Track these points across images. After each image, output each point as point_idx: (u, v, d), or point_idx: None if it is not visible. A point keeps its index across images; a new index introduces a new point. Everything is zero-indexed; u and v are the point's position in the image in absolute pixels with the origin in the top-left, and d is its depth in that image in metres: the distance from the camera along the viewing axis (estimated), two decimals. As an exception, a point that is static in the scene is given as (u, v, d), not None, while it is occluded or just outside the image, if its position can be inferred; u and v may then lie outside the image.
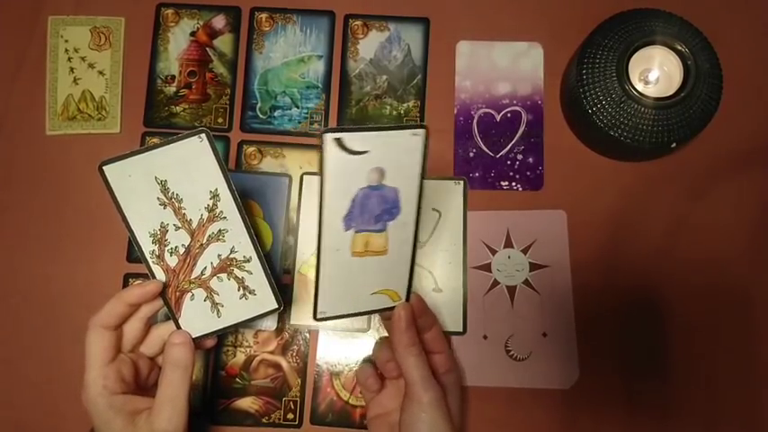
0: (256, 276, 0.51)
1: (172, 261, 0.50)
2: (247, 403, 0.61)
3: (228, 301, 0.51)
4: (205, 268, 0.50)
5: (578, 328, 0.62)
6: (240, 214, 0.49)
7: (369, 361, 0.59)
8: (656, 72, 0.60)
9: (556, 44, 0.67)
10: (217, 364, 0.62)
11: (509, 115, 0.66)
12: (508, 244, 0.63)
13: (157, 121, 0.66)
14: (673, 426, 0.61)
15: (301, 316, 0.62)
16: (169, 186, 0.48)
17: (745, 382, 0.62)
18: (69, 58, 0.67)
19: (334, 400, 0.61)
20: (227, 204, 0.49)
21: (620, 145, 0.59)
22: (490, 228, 0.64)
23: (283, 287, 0.62)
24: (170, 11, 0.68)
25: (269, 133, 0.66)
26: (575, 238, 0.63)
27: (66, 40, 0.67)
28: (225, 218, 0.49)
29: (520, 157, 0.65)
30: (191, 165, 0.48)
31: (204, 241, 0.50)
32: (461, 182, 0.63)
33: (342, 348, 0.62)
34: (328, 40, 0.68)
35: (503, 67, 0.67)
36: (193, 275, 0.50)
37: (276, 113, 0.66)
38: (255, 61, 0.67)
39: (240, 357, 0.62)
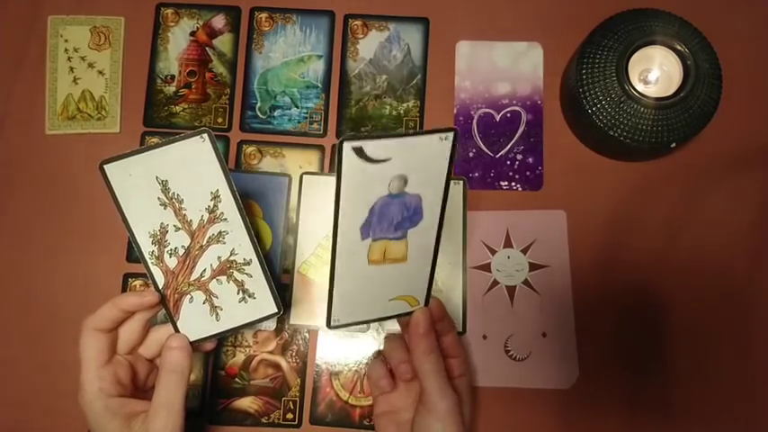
0: (256, 279, 0.50)
1: (171, 262, 0.49)
2: (247, 403, 0.61)
3: (227, 304, 0.50)
4: (204, 270, 0.50)
5: (578, 328, 0.62)
6: (241, 216, 0.48)
7: (380, 357, 0.58)
8: (655, 72, 0.60)
9: (555, 44, 0.67)
10: (216, 363, 0.62)
11: (509, 115, 0.66)
12: (508, 244, 0.63)
13: (157, 121, 0.66)
14: (673, 426, 0.61)
15: (301, 316, 0.62)
16: (170, 186, 0.47)
17: (745, 382, 0.62)
18: (69, 58, 0.67)
19: (333, 399, 0.61)
20: (228, 206, 0.48)
21: (619, 145, 0.59)
22: (490, 228, 0.64)
23: (283, 287, 0.62)
24: (170, 10, 0.68)
25: (269, 133, 0.66)
26: (574, 238, 0.63)
27: (66, 40, 0.67)
28: (225, 219, 0.49)
29: (519, 157, 0.65)
30: (192, 165, 0.47)
31: (204, 243, 0.49)
32: (461, 182, 0.63)
33: (341, 348, 0.62)
34: (328, 39, 0.68)
35: (502, 67, 0.67)
36: (192, 277, 0.50)
37: (276, 113, 0.66)
38: (255, 61, 0.67)
39: (240, 357, 0.62)
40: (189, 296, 0.50)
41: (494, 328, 0.62)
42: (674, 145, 0.58)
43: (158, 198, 0.48)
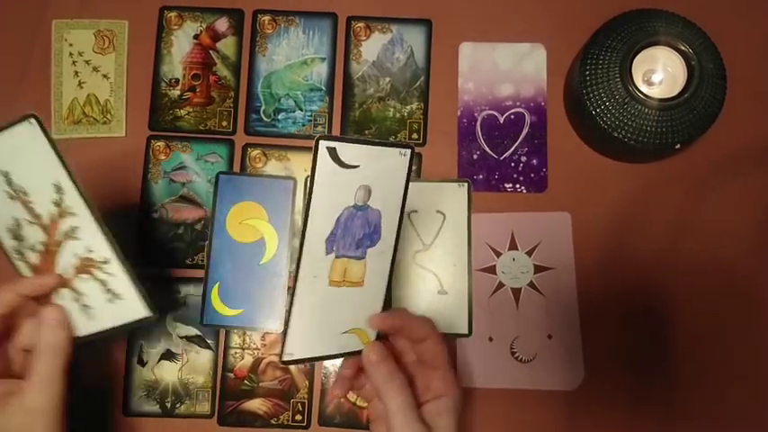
0: (119, 279, 0.48)
1: (34, 258, 0.48)
2: (256, 405, 0.62)
3: (97, 303, 0.49)
4: (66, 268, 0.48)
5: (583, 330, 0.62)
6: (88, 209, 0.46)
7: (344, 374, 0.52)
8: (659, 73, 0.60)
9: (559, 45, 0.66)
10: (225, 366, 0.62)
11: (512, 117, 0.66)
12: (513, 246, 0.64)
13: (162, 125, 0.66)
14: (679, 427, 0.61)
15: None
16: (12, 178, 0.46)
17: (752, 384, 0.62)
18: (74, 62, 0.67)
19: (341, 401, 0.62)
20: (74, 199, 0.46)
21: (623, 146, 0.60)
22: (494, 230, 0.64)
23: (290, 289, 0.62)
24: (173, 14, 0.68)
25: (273, 136, 0.66)
26: (579, 240, 0.63)
27: (71, 44, 0.67)
28: (74, 214, 0.47)
29: (524, 158, 0.65)
30: (26, 154, 0.45)
31: (59, 238, 0.47)
32: (465, 184, 0.63)
33: (348, 350, 0.63)
34: (331, 42, 0.68)
35: (506, 69, 0.67)
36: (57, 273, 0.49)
37: (280, 116, 0.66)
38: (259, 64, 0.67)
39: (248, 360, 0.62)
40: (55, 292, 0.49)
41: (499, 330, 0.62)
42: (678, 146, 0.59)
43: (6, 191, 0.47)
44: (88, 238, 0.47)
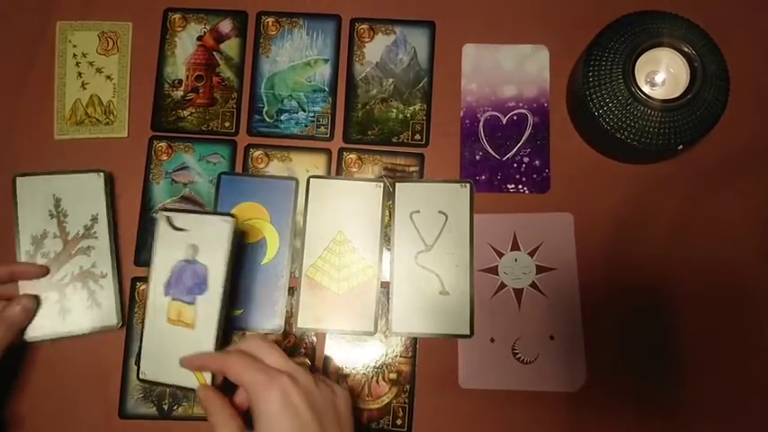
0: (107, 292, 0.61)
1: (40, 261, 0.61)
2: (255, 406, 0.62)
3: (77, 308, 0.60)
4: (65, 276, 0.60)
5: (585, 331, 0.62)
6: (110, 238, 0.62)
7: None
8: (662, 74, 0.60)
9: (562, 46, 0.67)
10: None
11: (515, 118, 0.66)
12: (515, 247, 0.63)
13: (165, 126, 0.66)
14: (681, 428, 0.61)
15: (308, 320, 0.62)
16: (62, 203, 0.61)
17: (755, 384, 0.62)
18: (77, 63, 0.67)
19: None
20: (102, 228, 0.62)
21: (626, 147, 0.59)
22: (497, 230, 0.64)
23: (290, 291, 0.62)
24: (177, 15, 0.68)
25: (276, 137, 0.66)
26: (581, 241, 0.63)
27: (75, 45, 0.68)
28: (97, 237, 0.61)
29: (526, 159, 0.65)
30: (84, 193, 0.62)
31: (74, 252, 0.61)
32: (468, 185, 0.63)
33: (348, 352, 0.62)
34: (334, 43, 0.68)
35: (509, 70, 0.67)
36: (55, 278, 0.60)
37: (283, 117, 0.67)
38: (262, 65, 0.67)
39: (247, 360, 0.62)
40: (45, 295, 0.60)
41: (501, 331, 0.62)
42: (680, 147, 0.58)
43: (49, 210, 0.61)
44: (98, 257, 0.61)
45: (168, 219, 0.55)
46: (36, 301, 0.59)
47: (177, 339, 0.54)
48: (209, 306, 0.54)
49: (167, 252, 0.55)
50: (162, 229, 0.55)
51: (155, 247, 0.55)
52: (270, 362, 0.49)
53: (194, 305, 0.54)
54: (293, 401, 0.46)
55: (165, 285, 0.55)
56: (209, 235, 0.54)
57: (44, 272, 0.60)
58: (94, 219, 0.62)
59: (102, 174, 0.62)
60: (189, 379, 0.53)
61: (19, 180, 0.61)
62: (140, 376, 0.56)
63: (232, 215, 0.54)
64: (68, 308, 0.60)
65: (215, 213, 0.57)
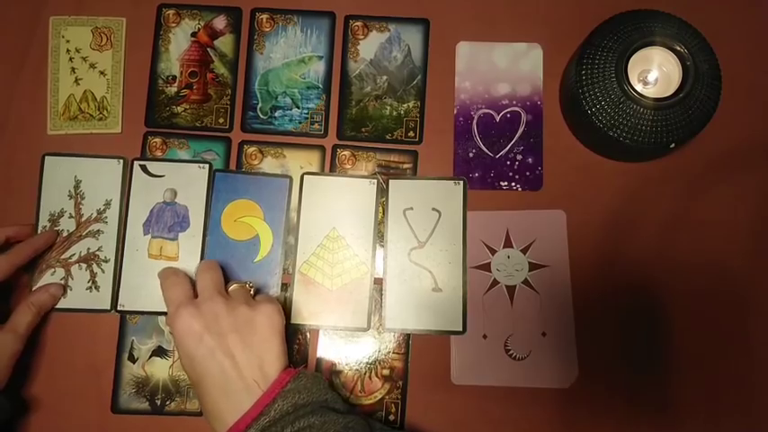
0: (107, 277, 0.63)
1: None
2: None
3: (78, 287, 0.63)
4: (73, 255, 0.63)
5: (577, 328, 0.62)
6: (119, 224, 0.64)
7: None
8: (654, 73, 0.60)
9: (555, 45, 0.67)
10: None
11: (508, 116, 0.66)
12: (507, 244, 0.64)
13: (159, 122, 0.66)
14: (672, 425, 0.61)
15: (302, 315, 0.62)
16: (81, 186, 0.64)
17: (745, 382, 0.62)
18: (71, 59, 0.67)
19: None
20: (113, 214, 0.64)
21: (619, 145, 0.60)
22: (490, 227, 0.64)
23: (283, 287, 0.62)
24: (171, 11, 0.68)
25: (270, 133, 0.66)
26: (574, 238, 0.63)
27: (68, 41, 0.67)
28: (106, 222, 0.64)
29: (519, 157, 0.65)
30: (102, 176, 0.64)
31: (84, 233, 0.63)
32: (461, 182, 0.63)
33: (342, 347, 0.62)
34: (329, 40, 0.68)
35: (502, 68, 0.67)
36: (63, 256, 0.63)
37: (277, 114, 0.67)
38: (256, 62, 0.67)
39: (241, 356, 0.62)
40: (53, 270, 0.63)
41: (494, 328, 0.62)
42: (673, 145, 0.59)
43: (69, 190, 0.64)
44: (104, 241, 0.63)
45: (143, 167, 0.62)
46: (62, 289, 0.62)
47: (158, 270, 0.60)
48: (191, 241, 0.63)
49: (144, 197, 0.63)
50: (137, 177, 0.63)
51: (130, 193, 0.63)
52: (198, 286, 0.56)
53: (176, 241, 0.63)
54: (193, 328, 0.52)
55: (144, 225, 0.63)
56: (187, 179, 0.63)
57: (54, 236, 0.63)
58: (107, 204, 0.64)
59: (122, 160, 0.64)
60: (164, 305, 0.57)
61: (48, 159, 0.64)
62: (118, 308, 0.62)
63: (208, 162, 0.63)
64: (70, 285, 0.63)
65: (190, 161, 0.64)
